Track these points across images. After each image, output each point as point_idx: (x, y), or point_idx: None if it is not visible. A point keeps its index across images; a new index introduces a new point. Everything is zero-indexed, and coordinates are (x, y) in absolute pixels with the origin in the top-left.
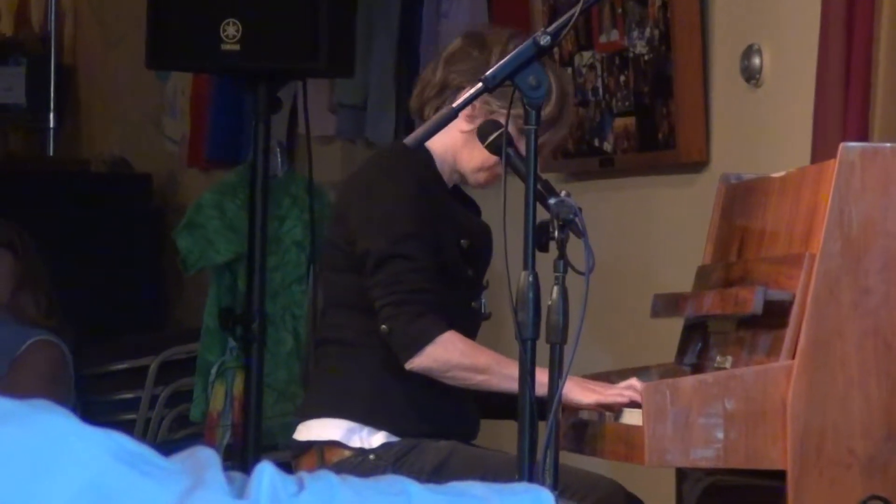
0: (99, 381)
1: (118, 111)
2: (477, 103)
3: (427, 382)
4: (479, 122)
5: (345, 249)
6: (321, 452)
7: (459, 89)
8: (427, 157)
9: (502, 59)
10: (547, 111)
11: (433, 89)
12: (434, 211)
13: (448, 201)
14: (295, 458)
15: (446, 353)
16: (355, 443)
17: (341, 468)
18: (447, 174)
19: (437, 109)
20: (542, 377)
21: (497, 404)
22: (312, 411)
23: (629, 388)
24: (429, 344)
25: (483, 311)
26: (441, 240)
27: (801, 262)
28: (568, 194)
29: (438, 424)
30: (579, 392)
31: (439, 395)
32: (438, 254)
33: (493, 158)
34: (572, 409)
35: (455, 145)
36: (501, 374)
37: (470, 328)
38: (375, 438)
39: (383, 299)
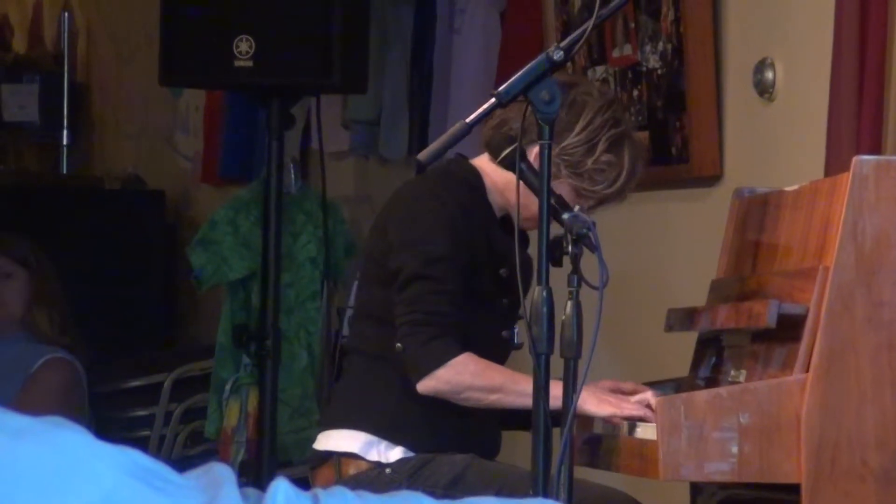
0: (113, 398)
1: (131, 128)
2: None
3: (445, 400)
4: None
5: (380, 262)
6: (338, 464)
7: (534, 141)
8: (478, 183)
9: (585, 130)
10: (611, 189)
11: (510, 131)
12: (474, 237)
13: (492, 229)
14: (312, 468)
15: (458, 376)
16: (373, 456)
17: (358, 481)
18: (497, 204)
19: (494, 149)
20: (556, 390)
21: (513, 416)
22: (333, 421)
23: (644, 399)
24: (440, 367)
25: (514, 340)
26: (478, 266)
27: (814, 275)
28: (581, 209)
29: (459, 442)
30: (595, 404)
31: (460, 412)
32: (472, 280)
33: (536, 210)
34: (587, 419)
35: (509, 188)
36: (514, 391)
37: (498, 357)
38: (393, 453)
39: (403, 317)
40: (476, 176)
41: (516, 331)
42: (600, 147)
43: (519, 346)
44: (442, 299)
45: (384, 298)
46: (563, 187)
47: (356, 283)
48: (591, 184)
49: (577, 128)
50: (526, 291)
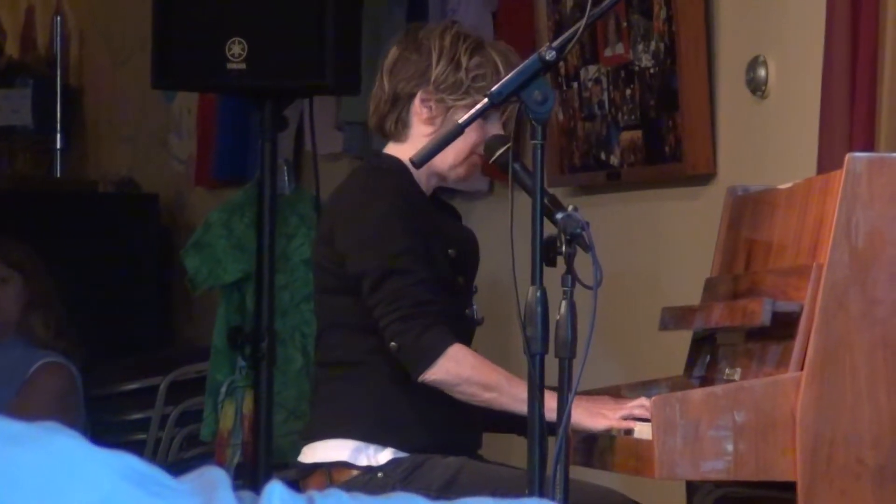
0: (108, 401)
1: (125, 131)
2: (432, 103)
3: (430, 396)
4: (438, 121)
5: (334, 272)
6: (329, 473)
7: (412, 96)
8: (404, 169)
9: (443, 54)
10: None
11: (386, 104)
12: (421, 223)
13: (431, 212)
14: (302, 479)
15: (458, 367)
16: (362, 461)
17: (350, 487)
18: (424, 182)
19: (396, 122)
20: (550, 402)
21: (498, 418)
22: (316, 433)
23: (639, 408)
24: (441, 356)
25: (476, 317)
26: (431, 251)
27: (808, 273)
28: (575, 208)
29: (443, 437)
30: (589, 419)
31: (443, 407)
32: (432, 264)
33: (464, 151)
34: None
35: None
36: (510, 394)
37: (465, 335)
38: (382, 455)
39: (387, 317)
40: (398, 163)
41: (475, 307)
42: (464, 58)
43: (481, 321)
44: (418, 289)
45: (348, 306)
46: (459, 114)
47: (313, 299)
48: (478, 93)
49: (434, 58)
50: (476, 266)
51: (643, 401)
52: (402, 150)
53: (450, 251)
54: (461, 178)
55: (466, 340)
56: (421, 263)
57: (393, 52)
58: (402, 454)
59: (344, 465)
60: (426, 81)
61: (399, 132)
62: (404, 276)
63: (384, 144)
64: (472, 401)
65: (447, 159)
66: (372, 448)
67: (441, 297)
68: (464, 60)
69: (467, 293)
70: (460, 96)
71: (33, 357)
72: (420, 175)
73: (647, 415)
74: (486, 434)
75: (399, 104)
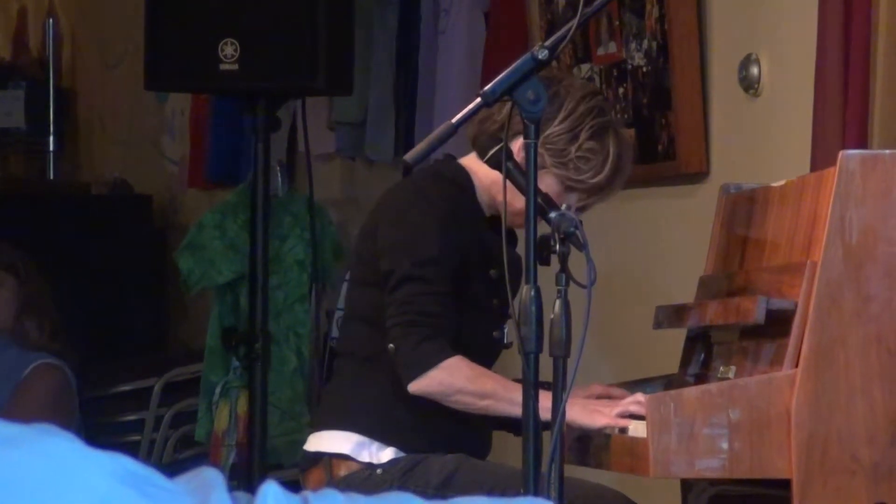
0: (103, 403)
1: (118, 133)
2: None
3: (435, 401)
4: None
5: (369, 264)
6: (329, 465)
7: (518, 134)
8: (467, 183)
9: (568, 119)
10: (597, 179)
11: (495, 125)
12: (463, 238)
13: (481, 229)
14: (303, 470)
15: (450, 378)
16: (364, 457)
17: (349, 481)
18: (486, 204)
19: (481, 148)
20: (545, 402)
21: (505, 419)
22: (324, 423)
23: (634, 404)
24: (433, 368)
25: (504, 340)
26: (468, 267)
27: (802, 270)
28: (568, 207)
29: (449, 443)
30: (585, 416)
31: (450, 413)
32: (464, 281)
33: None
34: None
35: (497, 187)
36: (506, 399)
37: (488, 357)
38: (384, 454)
39: (394, 318)
40: (465, 176)
41: (506, 330)
42: (583, 135)
43: (509, 346)
44: (431, 300)
45: (374, 300)
46: (548, 178)
47: (345, 285)
48: (577, 172)
49: (560, 116)
50: (515, 291)
51: (639, 396)
52: (476, 167)
53: (492, 272)
54: (516, 226)
55: (488, 362)
56: (445, 276)
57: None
58: (402, 455)
59: (345, 458)
60: (541, 131)
61: (486, 153)
62: (423, 283)
63: (376, 146)
64: (469, 409)
65: (514, 206)
66: (375, 445)
67: (454, 314)
68: (582, 136)
69: (500, 316)
70: (559, 165)
71: (28, 359)
72: (484, 195)
73: (642, 411)
74: None
75: (504, 133)
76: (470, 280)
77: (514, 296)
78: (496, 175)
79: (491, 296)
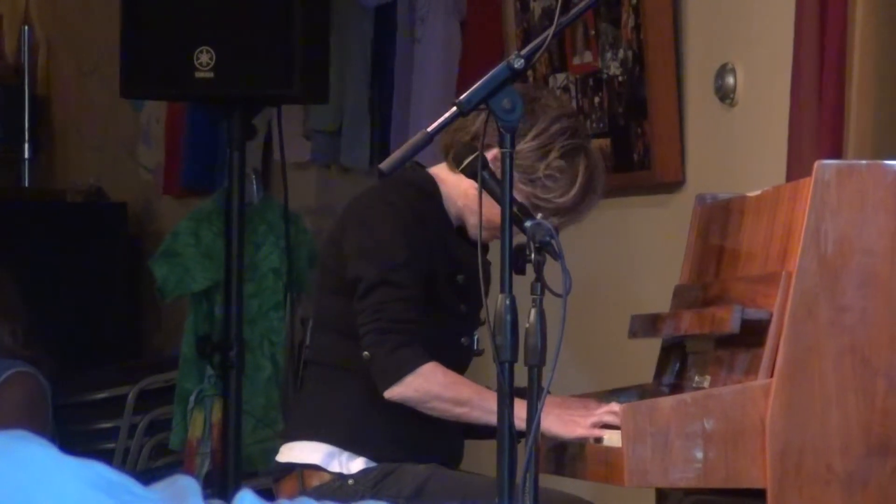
0: (77, 410)
1: (93, 141)
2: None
3: (410, 410)
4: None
5: (336, 272)
6: (301, 476)
7: (489, 147)
8: (434, 190)
9: (539, 137)
10: (563, 199)
11: (468, 135)
12: (430, 243)
13: (448, 236)
14: (276, 481)
15: (426, 384)
16: (335, 467)
17: (321, 492)
18: (453, 210)
19: (456, 157)
20: (520, 411)
21: (478, 426)
22: (295, 433)
23: (610, 414)
24: (409, 374)
25: (475, 347)
26: (435, 273)
27: (777, 280)
28: (544, 216)
29: (420, 452)
30: (561, 426)
31: (422, 422)
32: (431, 286)
33: (497, 220)
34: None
35: (467, 198)
36: (482, 407)
37: (459, 363)
38: (355, 464)
39: (367, 325)
40: (431, 183)
41: (476, 337)
42: (553, 153)
43: (480, 353)
44: (404, 306)
45: (343, 309)
46: (515, 195)
47: (313, 297)
48: (544, 191)
49: (532, 133)
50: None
51: (613, 406)
52: (445, 175)
53: (458, 277)
54: (486, 239)
55: (460, 368)
56: (415, 280)
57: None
58: (373, 464)
59: (316, 469)
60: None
61: (461, 162)
62: (394, 289)
63: (352, 153)
64: (444, 416)
65: (486, 220)
66: (345, 455)
67: (426, 318)
68: (552, 155)
69: (469, 322)
70: (527, 182)
71: (1, 367)
72: (451, 204)
73: (617, 421)
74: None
75: (475, 143)
76: (437, 286)
77: (481, 303)
78: (466, 185)
79: (458, 301)
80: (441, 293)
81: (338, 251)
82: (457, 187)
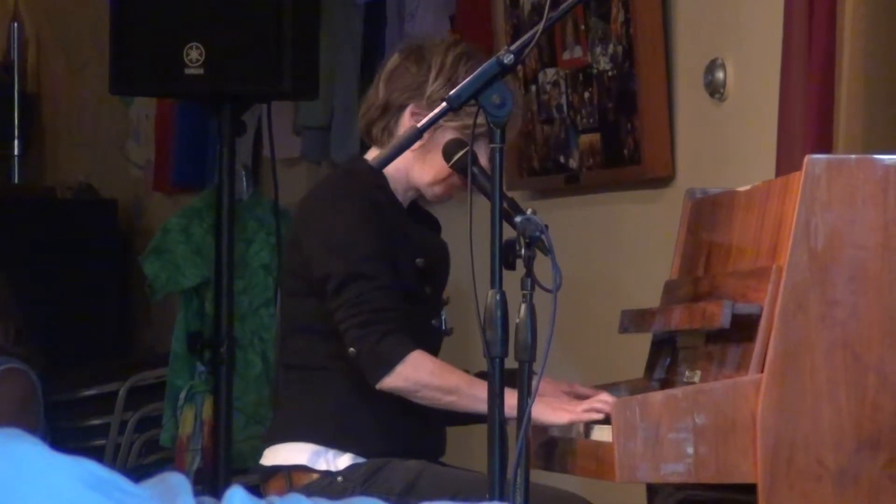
0: (68, 407)
1: (83, 137)
2: (422, 117)
3: (391, 402)
4: (425, 136)
5: (302, 275)
6: (289, 477)
7: (402, 107)
8: (380, 178)
9: (442, 72)
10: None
11: (377, 110)
12: (388, 231)
13: (403, 221)
14: (263, 483)
15: (416, 373)
16: (321, 465)
17: (310, 491)
18: (402, 193)
19: (383, 130)
20: (511, 399)
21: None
22: (278, 436)
23: (600, 402)
24: (399, 363)
25: (444, 327)
26: (397, 259)
27: (768, 275)
28: (534, 212)
29: (404, 444)
30: (550, 413)
31: (404, 414)
32: (395, 273)
33: (445, 171)
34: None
35: (407, 163)
36: (470, 395)
37: (432, 345)
38: (341, 460)
39: (348, 321)
40: (376, 171)
41: (444, 318)
42: (461, 79)
43: (449, 332)
44: (381, 295)
45: (312, 310)
46: (449, 134)
47: (281, 302)
48: (469, 116)
49: (433, 74)
50: (442, 279)
51: (604, 395)
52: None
53: (418, 260)
54: (438, 197)
55: (433, 350)
56: (386, 270)
57: (393, 60)
58: (361, 460)
59: (303, 469)
60: (420, 95)
61: (384, 140)
62: (367, 280)
63: (341, 150)
64: (434, 405)
65: (425, 176)
66: (331, 452)
67: (402, 305)
68: (461, 80)
69: (435, 304)
70: (451, 117)
71: None
72: (397, 184)
73: (608, 409)
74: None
75: (389, 113)
76: (400, 271)
77: (443, 283)
78: (401, 159)
79: (423, 284)
80: (406, 278)
81: (299, 253)
82: (397, 167)
